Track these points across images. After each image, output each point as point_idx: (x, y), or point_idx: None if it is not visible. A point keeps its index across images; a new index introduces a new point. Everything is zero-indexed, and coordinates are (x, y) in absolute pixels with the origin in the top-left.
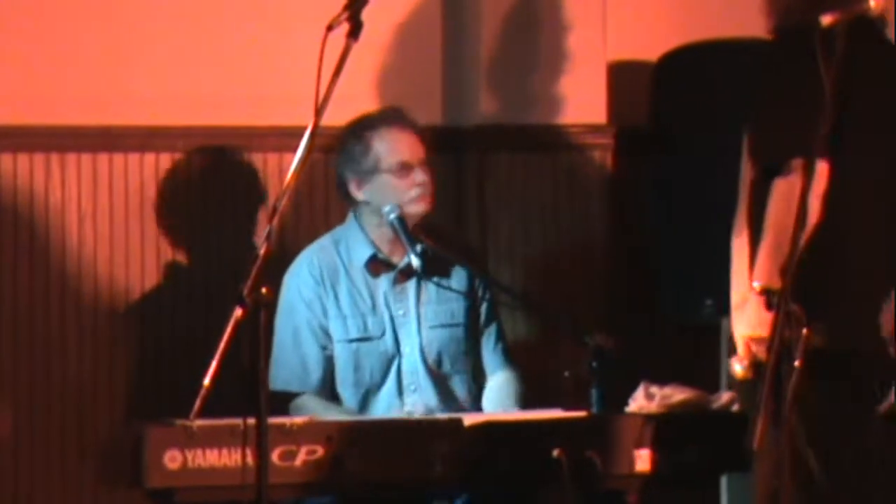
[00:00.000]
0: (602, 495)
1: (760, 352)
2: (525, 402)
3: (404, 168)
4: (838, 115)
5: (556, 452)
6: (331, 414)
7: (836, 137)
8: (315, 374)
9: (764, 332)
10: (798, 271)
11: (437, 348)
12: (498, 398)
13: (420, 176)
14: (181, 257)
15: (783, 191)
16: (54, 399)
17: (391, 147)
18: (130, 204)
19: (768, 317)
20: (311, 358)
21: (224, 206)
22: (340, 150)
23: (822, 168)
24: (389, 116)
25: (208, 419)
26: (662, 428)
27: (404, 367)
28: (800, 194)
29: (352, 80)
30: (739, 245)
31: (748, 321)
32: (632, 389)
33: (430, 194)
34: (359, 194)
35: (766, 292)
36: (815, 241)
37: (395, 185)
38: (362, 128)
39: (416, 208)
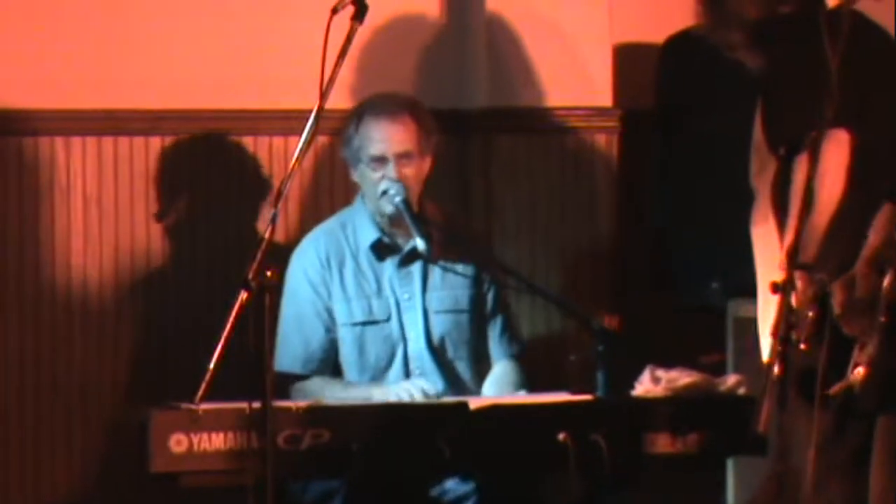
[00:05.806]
0: (607, 479)
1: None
2: (529, 388)
3: (377, 161)
4: (843, 94)
5: (561, 436)
6: (334, 389)
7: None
8: (318, 356)
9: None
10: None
11: (441, 333)
12: (497, 387)
13: (393, 171)
14: (186, 241)
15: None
16: (60, 382)
17: (369, 138)
18: (135, 188)
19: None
20: (314, 341)
21: (229, 189)
22: (342, 131)
23: (842, 138)
24: (376, 105)
25: (213, 403)
26: (668, 412)
27: (410, 352)
28: (805, 171)
29: (357, 63)
30: (764, 233)
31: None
32: (638, 373)
33: (410, 188)
34: (354, 176)
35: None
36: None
37: (371, 177)
38: (354, 113)
39: (384, 207)
